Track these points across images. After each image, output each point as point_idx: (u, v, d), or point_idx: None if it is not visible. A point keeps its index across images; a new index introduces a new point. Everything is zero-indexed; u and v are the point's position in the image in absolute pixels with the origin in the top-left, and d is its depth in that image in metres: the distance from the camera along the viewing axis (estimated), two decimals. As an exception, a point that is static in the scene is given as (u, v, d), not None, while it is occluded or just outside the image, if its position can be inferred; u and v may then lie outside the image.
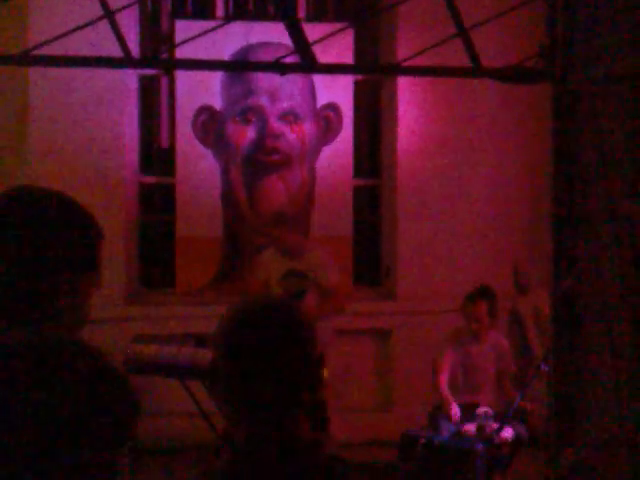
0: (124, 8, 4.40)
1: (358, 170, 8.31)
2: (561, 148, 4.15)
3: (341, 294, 6.91)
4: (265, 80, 7.85)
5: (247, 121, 8.00)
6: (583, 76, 4.06)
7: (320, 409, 6.31)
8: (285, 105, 8.02)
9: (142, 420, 1.39)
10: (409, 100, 8.11)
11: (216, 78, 7.91)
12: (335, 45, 6.63)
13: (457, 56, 4.29)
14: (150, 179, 8.21)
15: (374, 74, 8.34)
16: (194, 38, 4.37)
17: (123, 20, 4.98)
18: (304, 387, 2.03)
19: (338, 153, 8.12)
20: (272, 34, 7.65)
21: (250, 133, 8.00)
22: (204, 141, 7.96)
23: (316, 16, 8.24)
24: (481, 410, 6.06)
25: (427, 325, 7.77)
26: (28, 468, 1.25)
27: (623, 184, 3.99)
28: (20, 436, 1.25)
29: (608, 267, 3.99)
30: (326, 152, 8.12)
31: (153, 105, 8.22)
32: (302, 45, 4.16)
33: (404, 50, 6.76)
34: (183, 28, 7.56)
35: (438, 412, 6.42)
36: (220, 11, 8.11)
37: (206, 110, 7.94)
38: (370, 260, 8.44)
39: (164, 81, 8.17)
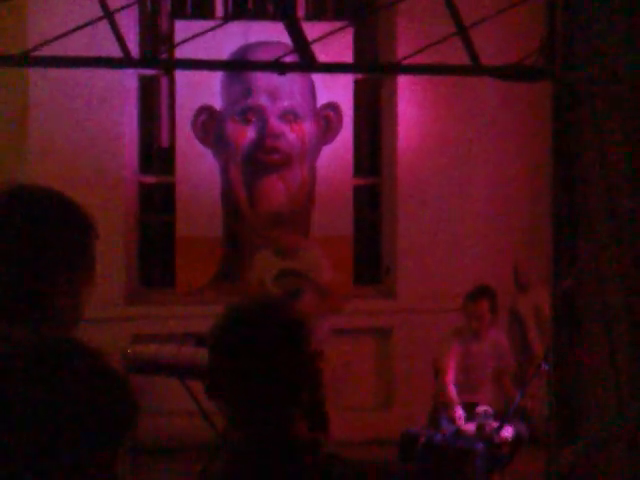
0: (123, 8, 4.40)
1: (358, 169, 8.31)
2: (561, 148, 4.15)
3: (337, 293, 6.91)
4: (265, 79, 7.84)
5: (247, 121, 8.00)
6: (583, 74, 4.06)
7: (319, 408, 6.31)
8: (285, 104, 8.02)
9: (142, 420, 1.40)
10: (409, 99, 8.11)
11: (216, 78, 7.91)
12: (334, 44, 6.61)
13: (457, 54, 4.29)
14: (150, 179, 8.21)
15: (374, 73, 8.33)
16: (193, 38, 4.37)
17: (122, 20, 4.97)
18: (301, 386, 2.03)
19: (338, 152, 8.11)
20: (271, 33, 7.64)
21: (250, 133, 8.00)
22: (204, 141, 7.96)
23: (315, 15, 8.23)
24: (481, 409, 6.05)
25: (427, 324, 7.77)
26: (28, 468, 1.25)
27: (623, 184, 3.99)
28: (20, 436, 1.25)
29: (608, 267, 3.99)
30: (326, 151, 8.11)
31: (153, 105, 8.22)
32: (301, 44, 4.16)
33: (404, 49, 6.75)
34: (182, 28, 7.56)
35: (438, 411, 6.42)
36: (219, 11, 8.11)
37: (206, 110, 7.94)
38: (370, 259, 8.44)
39: (164, 81, 8.17)
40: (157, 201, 8.27)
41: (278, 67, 4.61)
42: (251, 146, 8.01)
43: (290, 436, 2.01)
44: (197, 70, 7.05)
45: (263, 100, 7.98)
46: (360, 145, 8.33)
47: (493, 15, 4.36)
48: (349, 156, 8.16)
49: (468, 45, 4.13)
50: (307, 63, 4.22)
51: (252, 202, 8.06)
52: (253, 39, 7.91)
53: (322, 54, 4.43)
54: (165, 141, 8.24)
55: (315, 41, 4.23)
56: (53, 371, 1.29)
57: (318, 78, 8.01)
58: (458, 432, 6.06)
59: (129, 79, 7.94)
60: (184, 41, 4.58)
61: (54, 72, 7.06)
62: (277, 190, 8.08)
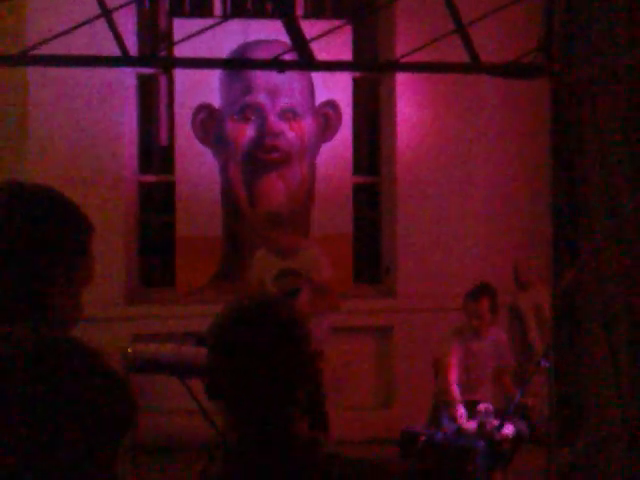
0: (122, 7, 4.39)
1: (357, 167, 8.31)
2: (561, 148, 4.15)
3: (335, 291, 6.91)
4: (264, 78, 7.85)
5: (246, 119, 8.00)
6: (583, 74, 4.06)
7: (319, 407, 6.32)
8: (284, 103, 8.02)
9: (142, 419, 1.40)
10: (408, 97, 8.10)
11: (215, 76, 7.91)
12: (333, 42, 6.62)
13: (456, 52, 4.28)
14: (149, 178, 8.21)
15: (373, 71, 8.33)
16: (192, 36, 4.36)
17: (121, 19, 4.97)
18: (299, 385, 2.03)
19: (337, 150, 8.11)
20: (270, 31, 7.64)
21: (249, 131, 8.00)
22: (203, 139, 7.96)
23: (314, 13, 8.23)
24: (482, 407, 6.05)
25: (427, 322, 7.78)
26: (27, 467, 1.25)
27: (623, 184, 3.99)
28: (19, 435, 1.25)
29: (608, 267, 3.99)
30: (325, 149, 8.11)
31: (152, 104, 8.22)
32: (300, 42, 4.15)
33: (402, 47, 6.75)
34: (181, 26, 7.56)
35: (439, 409, 6.42)
36: (218, 9, 8.10)
37: (205, 108, 7.94)
38: (370, 257, 8.44)
39: (163, 80, 8.16)
40: (157, 200, 8.27)
41: (277, 65, 4.61)
42: (251, 144, 8.01)
43: (290, 436, 2.01)
44: (196, 68, 7.05)
45: (262, 98, 7.98)
46: (359, 143, 8.33)
47: (492, 13, 4.35)
48: (348, 154, 8.16)
49: (467, 43, 4.13)
50: (306, 61, 4.22)
51: (252, 201, 8.06)
52: (252, 37, 7.91)
53: (321, 52, 4.42)
54: (164, 140, 8.24)
55: (314, 39, 4.22)
56: (52, 371, 1.29)
57: (317, 76, 8.01)
58: (459, 430, 6.06)
59: (128, 78, 7.94)
60: (183, 39, 4.57)
61: (53, 71, 7.06)
62: (277, 189, 8.08)
